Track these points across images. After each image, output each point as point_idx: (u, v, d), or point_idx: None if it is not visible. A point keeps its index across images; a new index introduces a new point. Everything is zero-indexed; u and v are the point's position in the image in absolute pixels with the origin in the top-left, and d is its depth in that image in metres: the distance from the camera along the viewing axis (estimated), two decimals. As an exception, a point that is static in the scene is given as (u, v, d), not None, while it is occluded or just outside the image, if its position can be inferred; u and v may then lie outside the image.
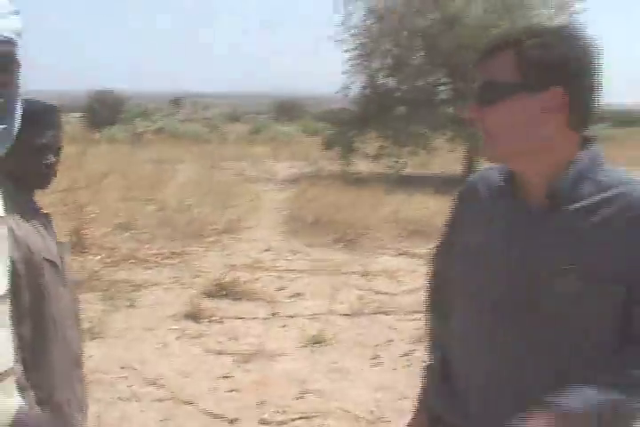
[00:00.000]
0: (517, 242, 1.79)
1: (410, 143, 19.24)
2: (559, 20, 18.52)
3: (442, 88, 20.14)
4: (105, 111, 40.12)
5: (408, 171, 19.32)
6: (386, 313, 7.07)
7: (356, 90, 20.31)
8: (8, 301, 1.86)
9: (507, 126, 1.74)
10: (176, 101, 68.33)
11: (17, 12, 1.68)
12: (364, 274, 8.68)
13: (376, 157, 19.60)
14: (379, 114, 19.19)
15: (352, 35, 20.04)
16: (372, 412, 4.87)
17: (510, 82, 1.72)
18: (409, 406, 4.85)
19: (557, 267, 1.71)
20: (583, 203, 1.73)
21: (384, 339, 6.34)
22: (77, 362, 2.46)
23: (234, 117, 61.42)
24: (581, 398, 1.64)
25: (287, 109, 64.72)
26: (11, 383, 1.81)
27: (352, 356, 5.95)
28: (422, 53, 19.57)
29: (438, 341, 2.10)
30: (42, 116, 2.29)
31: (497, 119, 1.75)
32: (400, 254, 9.83)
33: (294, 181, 17.53)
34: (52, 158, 2.34)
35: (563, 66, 1.70)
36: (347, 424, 4.69)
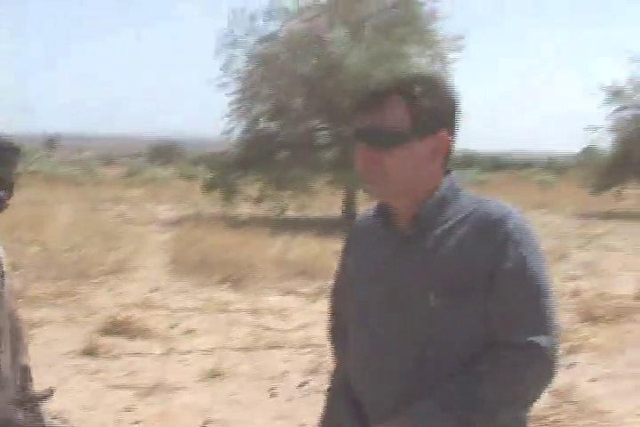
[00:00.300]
0: (389, 267, 1.96)
1: (291, 187, 19.63)
2: (434, 69, 19.51)
3: (322, 132, 20.66)
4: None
5: (289, 213, 19.71)
6: (278, 348, 7.33)
7: (237, 134, 20.65)
8: None
9: (400, 168, 1.89)
10: (51, 143, 67.08)
11: None
12: (253, 312, 8.92)
13: (258, 200, 19.89)
14: (260, 158, 19.53)
15: (234, 79, 20.47)
16: (273, 439, 5.12)
17: (404, 129, 1.87)
18: (308, 432, 5.13)
19: (422, 286, 1.87)
20: (443, 226, 1.90)
21: (278, 372, 6.57)
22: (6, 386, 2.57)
23: (108, 160, 60.73)
24: (430, 416, 1.82)
25: (162, 152, 64.46)
26: None
27: (249, 388, 6.17)
28: (303, 98, 20.05)
29: (341, 368, 2.25)
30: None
31: (391, 162, 1.88)
32: (286, 293, 10.13)
33: (175, 223, 17.63)
34: (1, 193, 2.50)
35: (446, 112, 1.93)
36: (250, 450, 4.92)
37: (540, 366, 1.85)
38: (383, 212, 2.02)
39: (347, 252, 2.21)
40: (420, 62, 20.09)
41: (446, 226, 1.91)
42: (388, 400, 1.95)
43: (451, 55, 20.56)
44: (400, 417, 1.85)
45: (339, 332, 2.24)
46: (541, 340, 1.82)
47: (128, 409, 5.60)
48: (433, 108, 1.89)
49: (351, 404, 2.08)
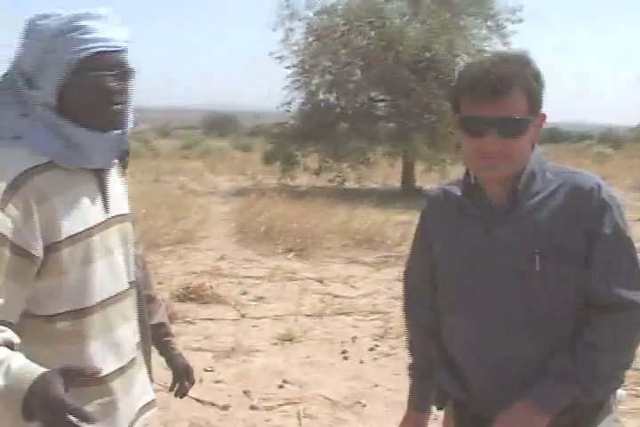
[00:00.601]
0: (487, 239, 2.08)
1: (349, 158, 19.83)
2: (493, 41, 19.50)
3: (380, 104, 20.76)
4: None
5: (348, 184, 19.93)
6: (346, 314, 7.59)
7: (296, 106, 20.89)
8: (132, 220, 2.20)
9: (522, 152, 2.03)
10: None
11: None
12: (320, 280, 9.19)
13: (317, 172, 20.12)
14: (319, 129, 19.76)
15: (292, 51, 20.65)
16: (347, 398, 5.38)
17: (527, 117, 1.98)
18: (381, 392, 5.42)
19: (526, 252, 2.01)
20: (536, 197, 2.05)
21: (349, 336, 6.83)
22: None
23: (164, 132, 61.31)
24: (552, 393, 1.98)
25: (217, 124, 64.78)
26: (125, 307, 2.11)
27: (322, 351, 6.44)
28: (361, 70, 20.18)
29: (422, 345, 2.38)
30: None
31: (517, 148, 2.00)
32: (350, 262, 10.37)
33: (237, 194, 17.96)
34: None
35: (543, 91, 2.04)
36: (327, 408, 5.18)
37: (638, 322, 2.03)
38: (471, 186, 2.15)
39: (427, 229, 2.32)
40: (478, 34, 20.08)
41: (539, 197, 2.05)
42: (497, 369, 2.09)
43: (509, 27, 20.46)
44: (522, 402, 1.99)
45: (419, 310, 2.39)
46: (638, 296, 2.00)
47: (208, 370, 5.90)
48: (539, 91, 2.02)
49: (456, 375, 2.23)
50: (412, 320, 2.44)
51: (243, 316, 7.48)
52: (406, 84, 18.50)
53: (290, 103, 20.74)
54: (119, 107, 1.96)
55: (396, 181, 20.89)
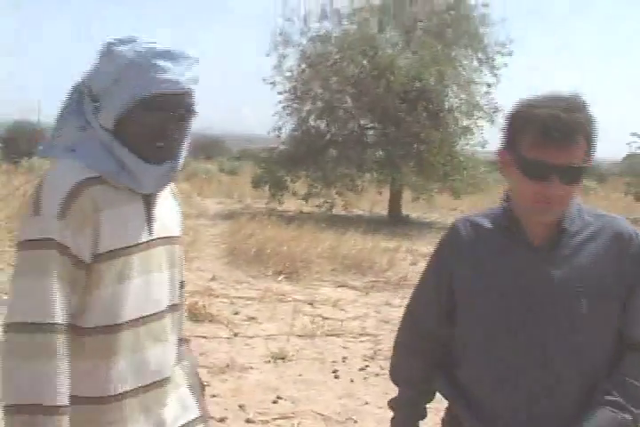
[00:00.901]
0: (529, 277, 2.10)
1: (338, 184, 20.08)
2: (484, 74, 19.89)
3: (370, 132, 20.99)
4: (23, 142, 39.49)
5: (336, 210, 20.13)
6: (337, 335, 7.81)
7: (286, 131, 21.14)
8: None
9: (573, 197, 2.07)
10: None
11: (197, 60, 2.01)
12: (310, 302, 9.39)
13: (305, 197, 20.34)
14: (308, 155, 19.99)
15: (285, 77, 20.95)
16: (339, 414, 5.59)
17: (585, 165, 2.02)
18: (371, 410, 5.63)
19: (572, 294, 2.06)
20: (577, 239, 2.10)
21: (339, 356, 7.05)
22: None
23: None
24: (609, 423, 2.01)
25: (205, 147, 64.83)
26: (161, 328, 2.12)
27: (313, 370, 6.65)
28: (352, 98, 20.49)
29: (415, 381, 2.38)
30: None
31: (571, 194, 2.04)
32: (339, 286, 10.59)
33: (226, 217, 18.07)
34: None
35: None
36: (320, 423, 5.40)
37: None
38: (510, 223, 2.17)
39: (444, 256, 2.31)
40: (468, 66, 20.49)
41: (580, 238, 2.12)
42: (535, 410, 2.10)
43: (499, 59, 20.84)
44: None
45: (420, 345, 2.37)
46: None
47: (204, 384, 6.07)
48: (596, 138, 2.04)
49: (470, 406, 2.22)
50: (412, 347, 2.41)
51: (235, 335, 7.67)
52: (396, 113, 18.79)
53: (280, 129, 20.99)
54: (174, 144, 2.04)
55: (382, 209, 21.11)
